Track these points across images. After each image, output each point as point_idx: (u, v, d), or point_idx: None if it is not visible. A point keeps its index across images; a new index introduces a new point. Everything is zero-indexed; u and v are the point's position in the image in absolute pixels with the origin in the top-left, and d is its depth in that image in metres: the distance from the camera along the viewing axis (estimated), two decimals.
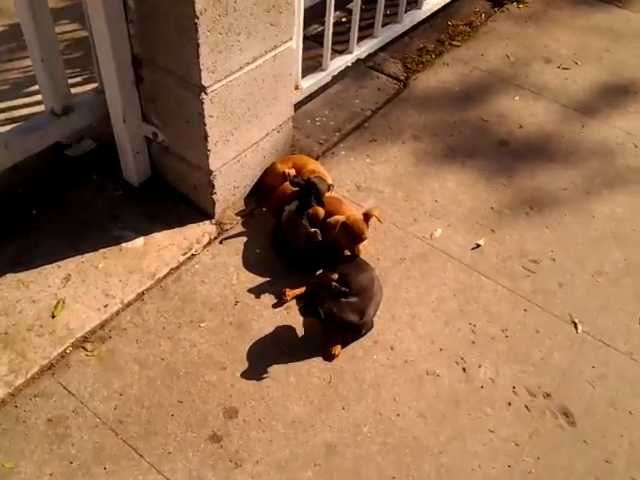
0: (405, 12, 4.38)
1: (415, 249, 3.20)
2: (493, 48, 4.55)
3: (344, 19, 4.70)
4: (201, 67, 2.66)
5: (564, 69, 4.41)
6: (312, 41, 4.35)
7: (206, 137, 2.91)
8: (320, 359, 2.75)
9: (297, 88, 3.66)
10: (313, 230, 3.10)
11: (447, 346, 2.83)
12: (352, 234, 2.87)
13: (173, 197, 3.32)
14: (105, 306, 2.86)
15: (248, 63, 2.90)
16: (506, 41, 4.62)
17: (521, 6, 4.99)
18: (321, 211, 3.16)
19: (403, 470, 2.41)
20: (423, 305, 2.97)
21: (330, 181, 3.27)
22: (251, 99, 3.04)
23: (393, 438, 2.52)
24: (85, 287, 2.91)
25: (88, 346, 2.72)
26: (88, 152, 3.51)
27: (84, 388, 2.58)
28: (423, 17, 4.55)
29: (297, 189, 3.17)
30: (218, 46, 2.68)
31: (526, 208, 3.44)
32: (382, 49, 4.44)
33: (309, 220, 3.13)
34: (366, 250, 3.10)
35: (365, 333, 2.83)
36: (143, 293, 2.93)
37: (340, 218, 2.88)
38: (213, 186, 3.13)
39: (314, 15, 4.06)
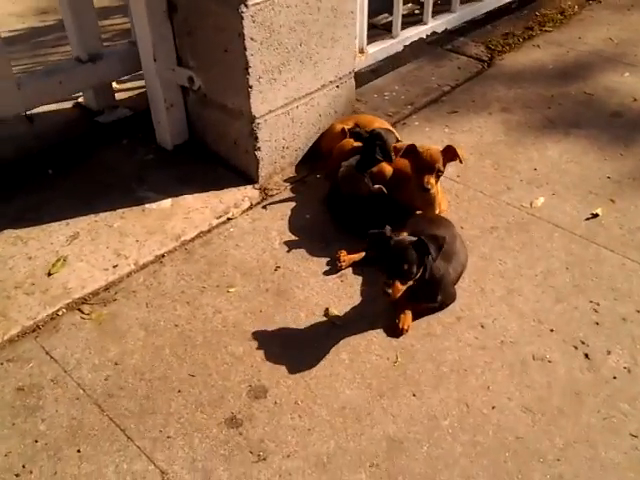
0: None
1: (510, 218, 2.49)
2: (592, 32, 3.92)
3: (417, 11, 4.21)
4: None
5: None
6: (383, 29, 3.85)
7: (247, 67, 2.39)
8: (383, 335, 2.04)
9: (362, 52, 3.15)
10: (377, 186, 2.46)
11: (560, 327, 2.05)
12: (422, 161, 2.20)
13: (212, 160, 2.78)
14: (115, 266, 2.28)
15: None
16: (606, 26, 3.99)
17: None
18: (388, 169, 2.52)
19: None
20: (524, 278, 2.23)
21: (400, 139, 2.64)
22: (303, 31, 2.52)
23: (486, 437, 1.73)
24: (94, 246, 2.36)
25: (85, 308, 2.13)
26: (122, 119, 3.05)
27: (70, 354, 1.97)
28: (505, 1, 3.98)
29: (359, 144, 2.56)
30: None
31: None
32: (462, 33, 3.91)
33: (372, 180, 2.49)
34: (445, 213, 2.41)
35: (445, 305, 2.10)
36: (163, 255, 2.34)
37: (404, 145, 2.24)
38: (256, 138, 2.57)
39: (384, 5, 3.57)
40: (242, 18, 2.28)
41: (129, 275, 2.26)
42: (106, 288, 2.21)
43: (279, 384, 1.88)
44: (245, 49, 2.35)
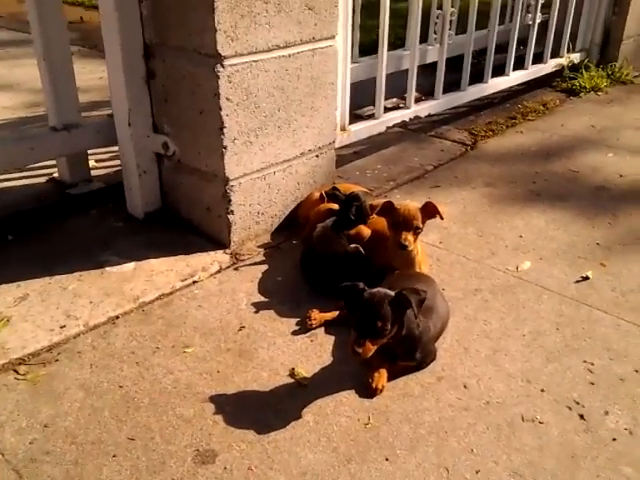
0: (470, 84, 3.90)
1: (495, 280, 2.33)
2: (574, 120, 3.96)
3: (401, 105, 4.29)
4: (217, 27, 2.18)
5: None
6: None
7: (222, 128, 2.33)
8: (354, 395, 1.81)
9: (344, 129, 3.12)
10: (354, 246, 2.32)
11: (552, 387, 1.83)
12: (399, 217, 2.07)
13: (184, 228, 2.67)
14: (62, 327, 2.09)
15: (279, 46, 2.41)
16: (588, 116, 4.04)
17: (600, 94, 4.47)
18: (366, 230, 2.40)
19: None
20: (511, 339, 2.03)
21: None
22: (282, 97, 2.49)
23: None
24: (43, 307, 2.18)
25: (21, 369, 1.91)
26: (94, 191, 2.97)
27: None
28: (488, 92, 4.07)
29: (335, 206, 2.45)
30: (239, 7, 2.22)
31: None
32: (445, 122, 3.95)
33: (349, 241, 2.36)
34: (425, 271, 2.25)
35: (425, 364, 1.89)
36: (117, 317, 2.15)
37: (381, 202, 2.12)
38: (230, 201, 2.47)
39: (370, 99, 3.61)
40: (218, 77, 2.25)
41: (77, 336, 2.06)
42: (49, 349, 2.00)
43: (231, 448, 1.63)
44: (220, 109, 2.30)
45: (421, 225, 2.08)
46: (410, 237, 2.05)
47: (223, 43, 2.22)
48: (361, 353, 1.70)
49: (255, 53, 2.34)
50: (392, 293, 1.74)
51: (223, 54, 2.24)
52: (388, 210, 2.09)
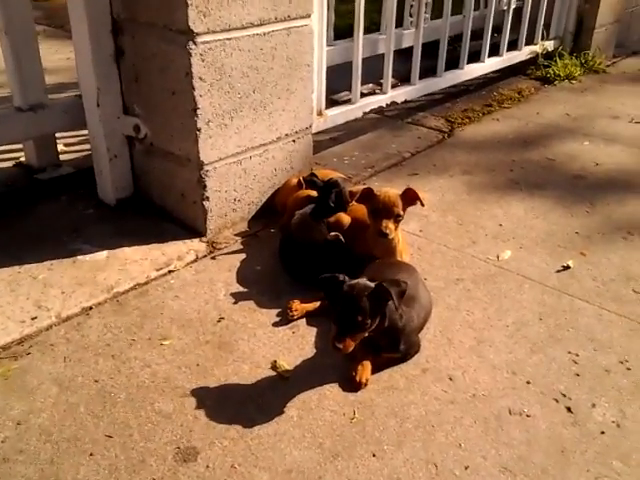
0: (446, 70, 3.87)
1: (476, 270, 2.30)
2: (549, 109, 3.96)
3: (377, 90, 4.23)
4: (188, 2, 2.09)
5: (637, 122, 3.75)
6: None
7: (195, 109, 2.25)
8: (338, 389, 1.77)
9: (321, 114, 3.06)
10: (333, 234, 2.27)
11: (538, 379, 1.81)
12: (379, 204, 2.03)
13: (158, 215, 2.58)
14: (33, 318, 2.00)
15: (253, 24, 2.33)
16: (563, 104, 4.05)
17: (574, 82, 4.49)
18: (346, 218, 2.35)
19: None
20: (494, 329, 2.01)
21: None
22: (257, 77, 2.41)
23: None
24: (12, 297, 2.08)
25: None
26: (63, 176, 2.85)
27: None
28: (464, 78, 4.04)
29: (314, 193, 2.40)
30: None
31: (623, 233, 2.57)
32: (421, 109, 3.91)
33: (329, 229, 2.31)
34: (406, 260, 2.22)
35: (409, 355, 1.86)
36: (91, 307, 2.07)
37: (360, 188, 2.07)
38: (205, 187, 2.39)
39: (346, 84, 3.52)
40: (190, 56, 2.17)
41: (49, 328, 1.97)
42: (20, 341, 1.91)
43: (213, 445, 1.58)
44: (193, 89, 2.22)
45: (402, 212, 2.05)
46: (391, 225, 2.01)
47: (195, 19, 2.14)
48: (342, 349, 1.66)
49: (229, 30, 2.26)
50: (372, 285, 1.69)
51: (195, 31, 2.15)
52: (368, 197, 2.04)
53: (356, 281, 1.72)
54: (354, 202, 2.14)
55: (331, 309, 1.75)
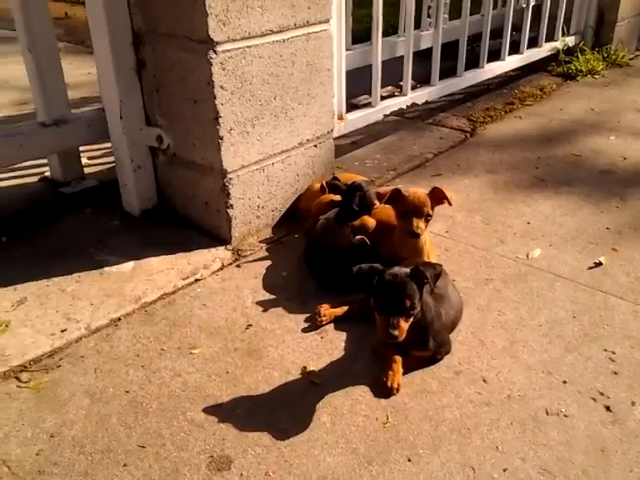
0: (465, 70, 3.84)
1: (505, 269, 2.27)
2: (573, 104, 3.91)
3: (397, 93, 4.22)
4: (208, 11, 2.09)
5: None
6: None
7: (217, 118, 2.25)
8: (370, 393, 1.74)
9: (341, 118, 3.05)
10: (359, 237, 2.25)
11: (574, 378, 1.77)
12: (409, 205, 2.00)
13: (182, 224, 2.58)
14: (63, 331, 2.01)
15: (272, 31, 2.33)
16: (586, 99, 3.99)
17: (597, 77, 4.42)
18: (371, 221, 2.33)
19: None
20: (527, 329, 1.97)
21: None
22: (277, 84, 2.41)
23: None
24: (42, 310, 2.10)
25: (23, 376, 1.83)
26: (87, 189, 2.88)
27: None
28: (485, 77, 4.00)
29: (338, 197, 2.38)
30: None
31: None
32: (442, 109, 3.88)
33: (354, 233, 2.29)
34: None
35: (440, 354, 1.83)
36: (119, 318, 2.07)
37: (389, 190, 2.05)
38: (228, 195, 2.39)
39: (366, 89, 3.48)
40: (211, 65, 2.17)
41: (78, 340, 1.98)
42: (50, 354, 1.92)
43: (246, 453, 1.56)
44: (215, 98, 2.22)
45: (431, 212, 2.02)
46: (422, 224, 1.99)
47: (215, 28, 2.14)
48: (398, 335, 1.62)
49: (248, 38, 2.26)
50: (408, 270, 1.68)
51: (215, 39, 2.15)
52: (396, 198, 2.02)
53: (394, 268, 1.69)
54: (382, 203, 2.11)
55: (373, 300, 1.70)
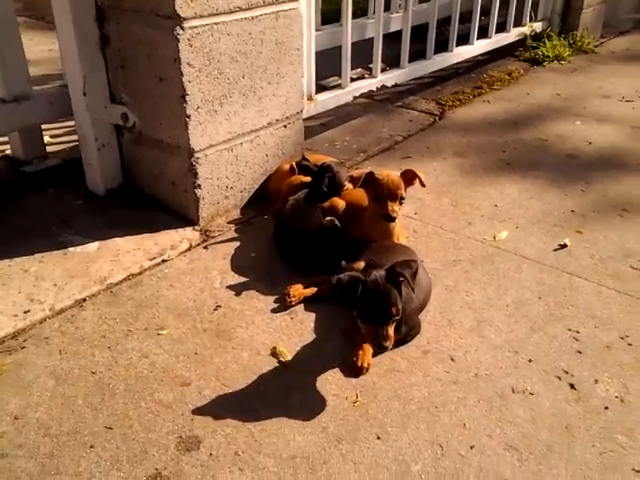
0: (435, 53, 3.84)
1: (473, 251, 2.29)
2: (540, 89, 3.95)
3: (366, 75, 4.20)
4: None
5: (628, 101, 3.75)
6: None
7: (184, 96, 2.20)
8: (340, 374, 1.74)
9: (311, 99, 3.02)
10: (329, 218, 2.24)
11: (539, 357, 1.80)
12: (383, 188, 2.00)
13: (149, 204, 2.54)
14: (26, 312, 1.96)
15: (241, 8, 2.29)
16: (553, 85, 4.04)
17: (563, 63, 4.48)
18: (341, 203, 2.33)
19: None
20: (494, 309, 1.99)
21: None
22: (246, 62, 2.38)
23: None
24: (4, 291, 2.04)
25: None
26: (50, 167, 2.80)
27: None
28: (454, 61, 4.02)
29: (308, 179, 2.36)
30: None
31: (618, 210, 2.56)
32: (412, 92, 3.89)
33: (324, 214, 2.28)
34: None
35: (410, 337, 1.84)
36: (84, 299, 2.03)
37: (363, 173, 2.04)
38: (196, 175, 2.35)
39: (335, 69, 3.45)
40: (178, 41, 2.12)
41: (42, 321, 1.94)
42: (14, 336, 1.87)
43: (215, 433, 1.55)
44: (182, 75, 2.17)
45: (404, 194, 2.02)
46: (396, 207, 1.99)
47: (182, 3, 2.10)
48: (389, 345, 1.63)
49: (216, 15, 2.22)
50: (383, 272, 1.67)
51: (182, 15, 2.11)
52: (370, 181, 2.01)
53: (373, 275, 1.66)
54: (357, 187, 2.09)
55: (357, 312, 1.68)
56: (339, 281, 1.65)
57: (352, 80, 3.35)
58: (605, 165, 2.95)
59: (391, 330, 1.64)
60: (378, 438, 1.54)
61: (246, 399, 1.65)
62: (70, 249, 2.27)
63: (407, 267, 1.64)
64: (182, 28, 2.12)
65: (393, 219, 1.99)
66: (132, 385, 1.69)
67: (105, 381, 1.71)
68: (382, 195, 1.99)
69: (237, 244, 2.33)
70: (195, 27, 2.16)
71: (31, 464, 1.47)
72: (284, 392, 1.68)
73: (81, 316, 1.96)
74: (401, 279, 1.63)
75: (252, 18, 2.35)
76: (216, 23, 2.23)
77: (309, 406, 1.63)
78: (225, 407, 1.63)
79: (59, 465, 1.47)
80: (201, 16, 2.17)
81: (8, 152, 2.92)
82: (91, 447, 1.51)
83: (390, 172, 2.04)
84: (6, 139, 2.86)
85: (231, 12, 2.26)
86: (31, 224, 2.41)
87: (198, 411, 1.62)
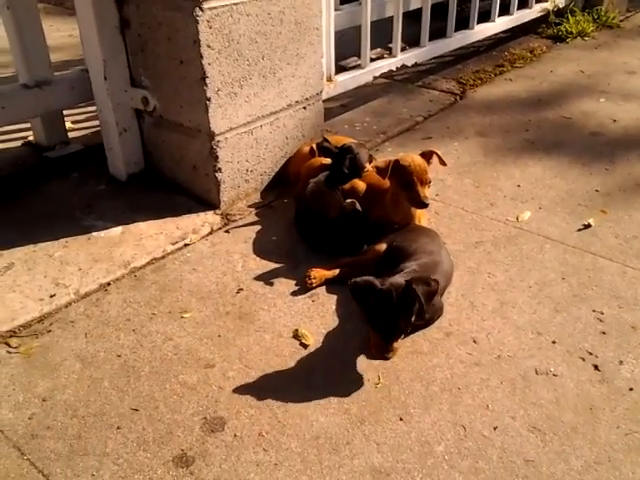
0: (455, 31, 3.78)
1: (496, 232, 2.27)
2: (563, 66, 3.87)
3: (385, 55, 4.15)
4: None
5: None
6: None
7: (204, 78, 2.20)
8: (361, 356, 1.74)
9: (330, 80, 3.00)
10: (350, 201, 2.24)
11: (563, 338, 1.79)
12: (412, 174, 1.98)
13: (170, 188, 2.55)
14: (52, 296, 1.99)
15: None
16: (576, 62, 3.96)
17: (587, 39, 4.38)
18: (361, 185, 2.31)
19: None
20: (517, 290, 1.98)
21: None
22: (266, 43, 2.36)
23: (489, 462, 1.43)
24: (30, 276, 2.07)
25: (13, 341, 1.82)
26: (73, 153, 2.83)
27: None
28: (474, 39, 3.95)
29: (328, 161, 2.35)
30: None
31: None
32: (432, 72, 3.84)
33: (344, 197, 2.27)
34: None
35: (433, 321, 1.84)
36: (109, 283, 2.06)
37: (388, 162, 2.02)
38: (217, 158, 2.35)
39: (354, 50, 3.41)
40: (197, 23, 2.12)
41: (68, 305, 1.96)
42: (40, 319, 1.91)
43: (239, 415, 1.57)
44: (202, 57, 2.17)
45: (430, 177, 2.01)
46: (427, 192, 1.98)
47: None
48: (391, 357, 1.64)
49: None
50: (401, 280, 1.64)
51: None
52: (397, 170, 1.99)
53: (388, 284, 1.63)
54: (386, 177, 2.06)
55: (368, 318, 1.67)
56: (354, 284, 1.64)
57: (372, 60, 3.31)
58: (630, 143, 2.89)
59: (396, 343, 1.63)
60: (401, 419, 1.55)
61: (269, 381, 1.67)
62: (94, 234, 2.30)
63: (424, 284, 1.61)
64: (201, 9, 2.11)
65: (427, 205, 1.98)
66: (157, 367, 1.72)
67: (130, 364, 1.73)
68: (411, 181, 1.97)
69: (258, 227, 2.34)
70: (214, 8, 2.15)
71: (60, 445, 1.50)
72: (306, 374, 1.69)
73: (106, 300, 1.98)
74: (415, 298, 1.60)
75: None
76: (235, 4, 2.21)
77: (332, 387, 1.64)
78: (248, 389, 1.64)
79: (87, 446, 1.50)
80: None
81: (31, 138, 2.95)
82: (118, 428, 1.54)
83: (413, 156, 2.02)
84: (28, 125, 2.88)
85: None
86: (54, 209, 2.44)
87: (222, 393, 1.63)
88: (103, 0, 2.32)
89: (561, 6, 4.56)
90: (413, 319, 1.64)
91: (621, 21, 4.70)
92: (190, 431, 1.53)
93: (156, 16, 2.26)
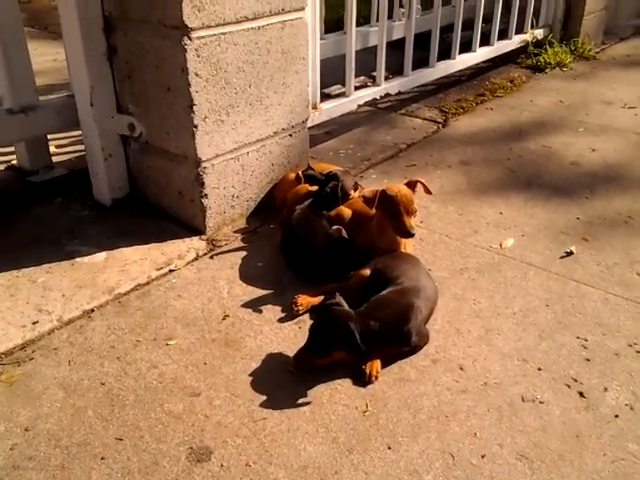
0: (437, 60, 3.85)
1: (480, 259, 2.29)
2: (543, 96, 3.96)
3: (369, 83, 4.21)
4: None
5: (630, 108, 3.76)
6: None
7: (192, 106, 2.21)
8: (349, 382, 1.74)
9: (315, 108, 3.03)
10: (335, 227, 2.25)
11: (548, 365, 1.80)
12: (399, 205, 2.00)
13: (155, 214, 2.55)
14: (34, 323, 1.96)
15: (247, 18, 2.30)
16: (555, 92, 4.05)
17: (565, 69, 4.49)
18: (347, 211, 2.33)
19: None
20: (502, 317, 2.00)
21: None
22: (253, 72, 2.39)
23: None
24: (12, 302, 2.04)
25: None
26: (56, 178, 2.81)
27: None
28: (456, 68, 4.03)
29: (314, 188, 2.37)
30: None
31: (624, 217, 2.57)
32: (415, 100, 3.89)
33: (330, 223, 2.28)
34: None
35: (419, 347, 1.84)
36: (93, 310, 2.03)
37: (376, 190, 2.04)
38: (203, 184, 2.36)
39: (338, 77, 3.47)
40: (186, 51, 2.14)
41: (51, 332, 1.94)
42: (22, 347, 1.88)
43: (226, 444, 1.56)
44: (189, 85, 2.19)
45: (416, 207, 2.03)
46: (413, 222, 2.00)
47: (189, 14, 2.11)
48: (300, 367, 1.77)
49: (223, 25, 2.23)
50: (345, 313, 1.77)
51: (190, 25, 2.12)
52: (384, 200, 2.01)
53: (332, 308, 1.78)
54: (373, 208, 2.07)
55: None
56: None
57: (356, 88, 3.36)
58: (609, 172, 2.96)
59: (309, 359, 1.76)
60: (389, 448, 1.54)
61: (256, 409, 1.65)
62: (77, 259, 2.28)
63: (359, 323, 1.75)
64: (190, 38, 2.13)
65: (413, 235, 1.99)
66: (142, 396, 1.70)
67: (115, 392, 1.71)
68: (398, 212, 1.99)
69: (244, 253, 2.33)
70: (202, 37, 2.17)
71: (42, 476, 1.47)
72: (294, 402, 1.68)
73: (89, 327, 1.96)
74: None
75: (259, 28, 2.37)
76: (223, 33, 2.24)
77: (319, 416, 1.63)
78: (235, 417, 1.63)
79: (70, 477, 1.47)
80: (208, 26, 2.18)
81: (14, 162, 2.93)
82: (102, 458, 1.52)
83: (400, 186, 2.05)
84: (12, 149, 2.87)
85: (238, 22, 2.28)
86: (38, 234, 2.42)
87: (208, 422, 1.62)
88: (91, 27, 2.33)
89: (540, 37, 4.68)
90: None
91: (597, 53, 4.82)
92: (176, 461, 1.51)
93: (144, 44, 2.27)
